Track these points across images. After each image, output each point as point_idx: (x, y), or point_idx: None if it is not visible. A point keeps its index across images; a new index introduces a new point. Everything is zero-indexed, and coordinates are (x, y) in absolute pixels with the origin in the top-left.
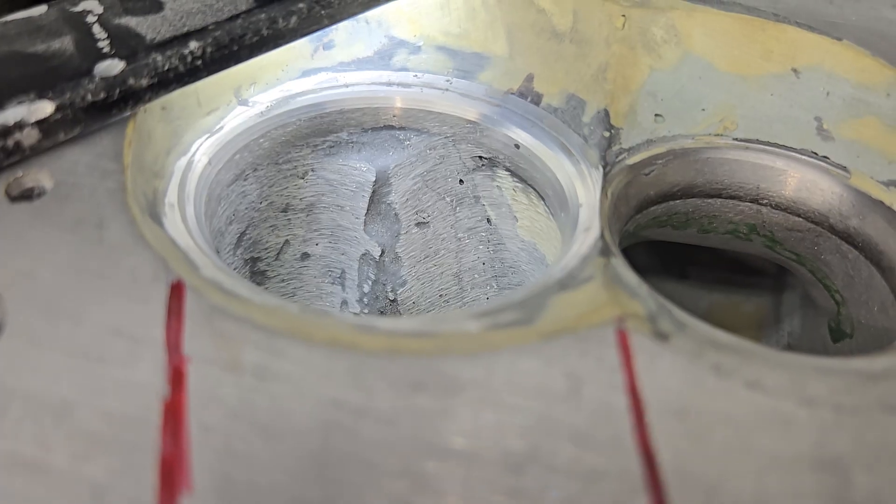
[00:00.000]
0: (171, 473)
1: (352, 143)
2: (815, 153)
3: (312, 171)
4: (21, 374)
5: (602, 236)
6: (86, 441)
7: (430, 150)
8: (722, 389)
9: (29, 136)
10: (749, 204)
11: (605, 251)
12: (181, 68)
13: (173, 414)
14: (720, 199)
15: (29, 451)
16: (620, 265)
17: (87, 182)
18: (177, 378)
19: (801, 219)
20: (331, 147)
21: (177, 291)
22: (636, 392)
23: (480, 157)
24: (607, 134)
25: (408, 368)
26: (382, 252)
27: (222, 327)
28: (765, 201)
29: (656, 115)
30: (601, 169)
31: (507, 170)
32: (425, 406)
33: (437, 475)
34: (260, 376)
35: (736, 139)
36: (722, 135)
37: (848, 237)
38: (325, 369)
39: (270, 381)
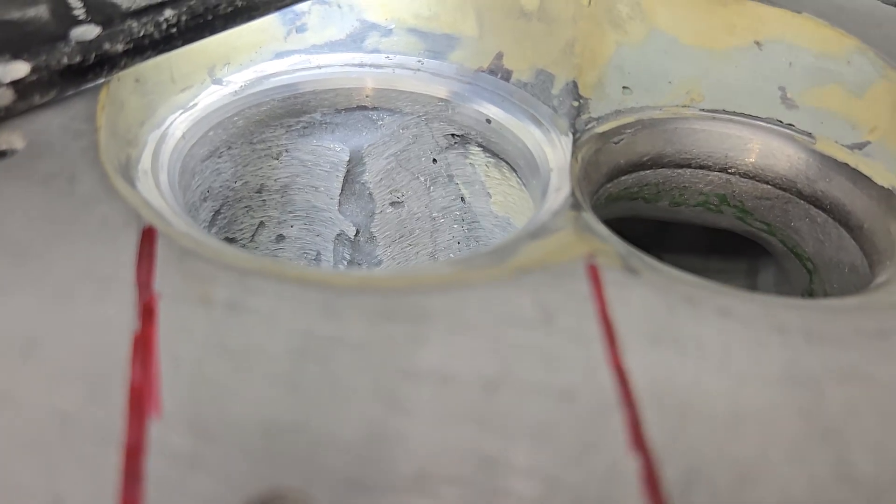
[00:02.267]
0: (141, 400)
1: (325, 123)
2: (781, 121)
3: (286, 151)
4: None
5: (573, 194)
6: (53, 373)
7: (402, 129)
8: (694, 316)
9: (3, 97)
10: (718, 173)
11: (575, 206)
12: (156, 35)
13: (143, 345)
14: (689, 169)
15: None
16: (591, 218)
17: (60, 141)
18: (147, 313)
19: (769, 186)
20: (304, 128)
21: (148, 236)
22: (608, 319)
23: (453, 136)
24: (576, 104)
25: (379, 301)
26: (357, 232)
27: (193, 267)
28: (733, 170)
29: (624, 87)
30: (571, 136)
31: (480, 145)
32: (397, 333)
33: (410, 396)
34: (231, 309)
35: (703, 110)
36: (689, 106)
37: (816, 201)
38: (296, 302)
39: (241, 314)
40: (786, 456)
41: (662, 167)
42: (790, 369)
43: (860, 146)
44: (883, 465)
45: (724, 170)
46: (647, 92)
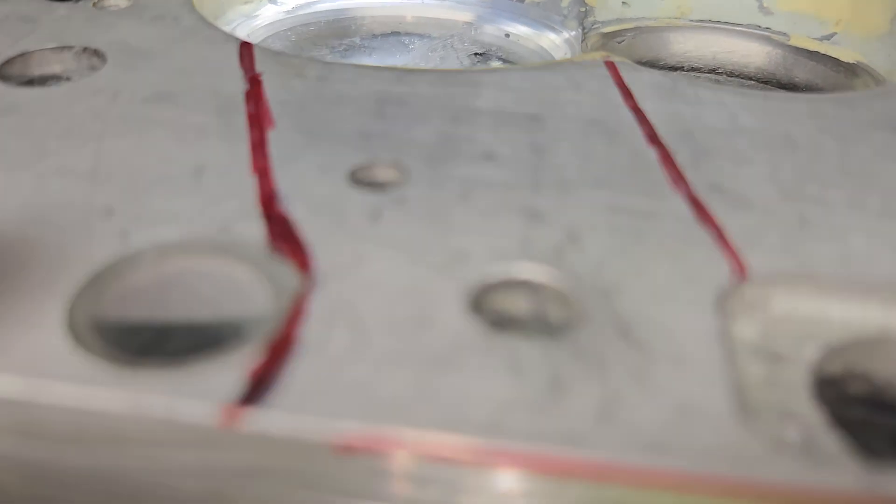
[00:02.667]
0: (258, 119)
1: (364, 47)
2: (759, 26)
3: None
4: (119, 81)
5: None
6: (185, 109)
7: (431, 52)
8: (694, 85)
9: None
10: (708, 75)
11: None
12: None
13: (254, 95)
14: (682, 72)
15: (136, 125)
16: None
17: (160, 1)
18: (254, 81)
19: (753, 81)
20: (345, 50)
21: (246, 45)
22: (625, 85)
23: (476, 55)
24: (583, 9)
25: (440, 75)
26: None
27: (287, 59)
28: (721, 70)
29: (623, 2)
30: (579, 32)
31: (500, 59)
32: (457, 91)
33: (471, 119)
34: (321, 80)
35: (692, 21)
36: (679, 18)
37: (794, 87)
38: (373, 76)
39: (330, 83)
40: (772, 153)
41: (659, 69)
42: (774, 110)
43: (828, 37)
44: (847, 175)
45: (713, 71)
46: (644, 6)
